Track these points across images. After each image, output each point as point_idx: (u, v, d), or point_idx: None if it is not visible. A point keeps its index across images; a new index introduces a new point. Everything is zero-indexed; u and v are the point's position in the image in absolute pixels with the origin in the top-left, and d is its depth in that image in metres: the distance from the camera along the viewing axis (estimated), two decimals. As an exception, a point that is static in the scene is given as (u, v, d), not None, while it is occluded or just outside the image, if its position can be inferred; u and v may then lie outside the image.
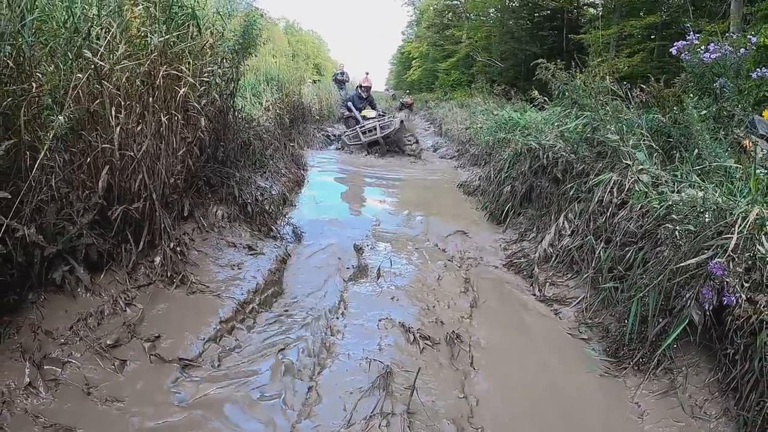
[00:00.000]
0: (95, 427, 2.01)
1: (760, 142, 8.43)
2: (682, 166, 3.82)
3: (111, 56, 2.82)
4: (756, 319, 2.37)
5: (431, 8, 32.67)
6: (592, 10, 20.65)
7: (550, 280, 3.97)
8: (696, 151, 3.96)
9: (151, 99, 3.08)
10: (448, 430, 2.15)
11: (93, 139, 2.73)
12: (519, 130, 6.06)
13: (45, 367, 2.18)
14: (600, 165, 4.30)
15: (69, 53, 2.66)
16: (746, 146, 8.37)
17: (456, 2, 29.92)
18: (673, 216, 2.89)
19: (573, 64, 5.62)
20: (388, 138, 10.44)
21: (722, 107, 4.60)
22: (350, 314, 3.03)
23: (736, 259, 2.38)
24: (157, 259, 3.05)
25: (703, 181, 3.45)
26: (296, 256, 4.24)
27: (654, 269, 2.85)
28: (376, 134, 10.35)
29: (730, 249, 2.38)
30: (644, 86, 5.45)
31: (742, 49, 4.76)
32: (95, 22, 2.83)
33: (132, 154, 2.90)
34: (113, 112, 2.76)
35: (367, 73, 12.60)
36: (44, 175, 2.39)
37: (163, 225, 3.12)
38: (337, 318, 2.99)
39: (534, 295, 3.84)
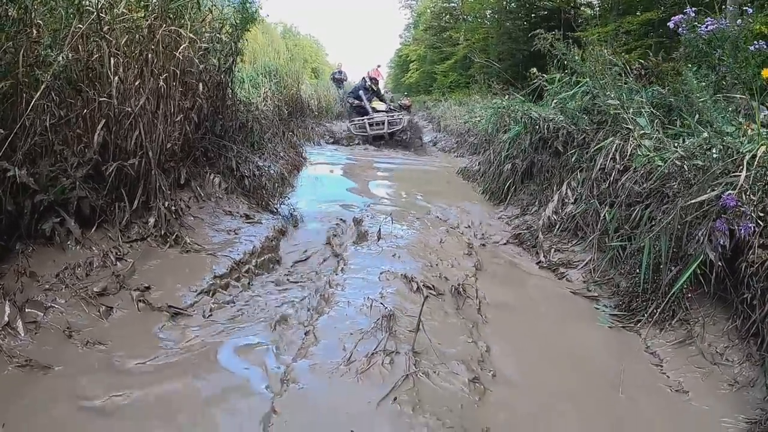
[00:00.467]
0: (74, 367, 1.93)
1: (762, 108, 8.48)
2: (683, 131, 3.76)
3: (112, 10, 2.79)
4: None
5: (428, 11, 32.84)
6: (588, 10, 20.70)
7: (555, 247, 3.89)
8: (697, 117, 3.86)
9: (150, 55, 3.05)
10: (459, 370, 2.05)
11: (90, 94, 2.68)
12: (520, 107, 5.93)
13: (27, 310, 2.12)
14: (600, 134, 4.23)
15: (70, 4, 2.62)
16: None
17: (453, 4, 30.02)
18: (681, 153, 2.82)
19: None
20: (393, 135, 10.34)
21: (722, 77, 4.53)
22: (350, 270, 2.94)
23: (749, 190, 2.29)
24: (152, 220, 3.01)
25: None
26: (294, 229, 4.16)
27: (664, 219, 2.77)
28: (383, 129, 10.25)
29: (740, 184, 2.30)
30: (643, 61, 5.41)
31: (739, 20, 4.70)
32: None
33: (129, 109, 2.85)
34: (112, 66, 2.72)
35: (378, 66, 13.62)
36: (38, 116, 2.35)
37: (158, 184, 3.07)
38: (337, 274, 2.90)
39: (539, 262, 3.74)
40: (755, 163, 2.38)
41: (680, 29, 4.86)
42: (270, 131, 6.33)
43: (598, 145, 4.01)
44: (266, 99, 7.88)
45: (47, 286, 2.25)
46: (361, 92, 11.24)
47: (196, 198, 3.68)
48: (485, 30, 26.63)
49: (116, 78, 2.73)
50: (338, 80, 17.98)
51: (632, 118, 3.96)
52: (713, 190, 2.42)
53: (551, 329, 2.74)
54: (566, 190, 4.17)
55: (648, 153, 3.51)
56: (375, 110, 10.84)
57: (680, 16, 4.86)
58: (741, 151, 2.48)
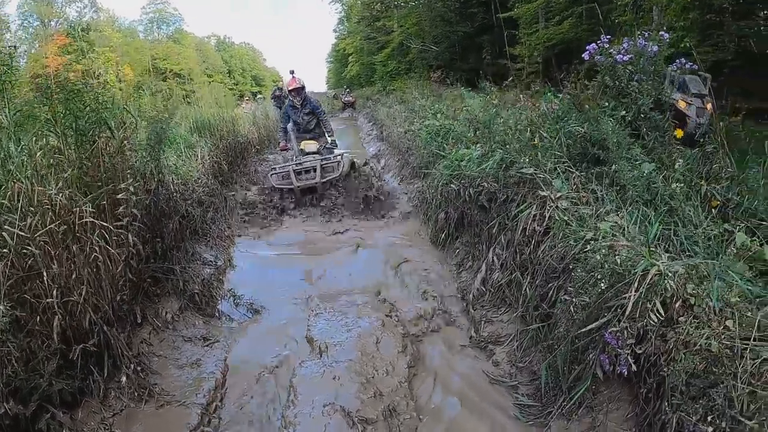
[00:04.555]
0: None
1: (694, 101, 8.78)
2: (600, 186, 3.99)
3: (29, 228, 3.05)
4: (665, 359, 2.56)
5: (358, 2, 32.64)
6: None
7: (485, 318, 4.15)
8: (614, 167, 4.10)
9: (75, 247, 3.32)
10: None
11: (35, 299, 2.99)
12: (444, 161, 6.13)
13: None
14: (523, 190, 4.44)
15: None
16: (683, 107, 8.67)
17: (383, -8, 29.97)
18: (570, 289, 3.07)
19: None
20: (329, 185, 8.00)
21: (639, 108, 4.74)
22: (300, 402, 3.36)
23: (628, 329, 2.55)
24: (123, 379, 3.32)
25: (621, 201, 3.75)
26: (249, 331, 4.45)
27: (565, 322, 3.05)
28: (314, 178, 7.82)
29: (627, 312, 2.56)
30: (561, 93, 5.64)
31: (655, 47, 4.90)
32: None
33: (75, 298, 3.14)
34: (45, 274, 3.02)
35: (292, 73, 9.25)
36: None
37: (120, 351, 3.39)
38: (289, 408, 3.32)
39: (471, 337, 4.00)
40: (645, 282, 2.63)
41: (596, 58, 5.09)
42: (212, 207, 6.41)
43: (519, 209, 4.23)
44: (203, 161, 7.82)
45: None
46: (289, 126, 8.75)
47: (155, 330, 3.96)
48: (417, 14, 26.76)
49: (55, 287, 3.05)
50: (278, 97, 17.79)
51: (547, 180, 4.17)
52: (604, 317, 2.68)
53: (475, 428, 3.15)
54: (492, 257, 4.41)
55: (564, 217, 3.75)
56: (304, 153, 8.42)
57: (593, 46, 5.07)
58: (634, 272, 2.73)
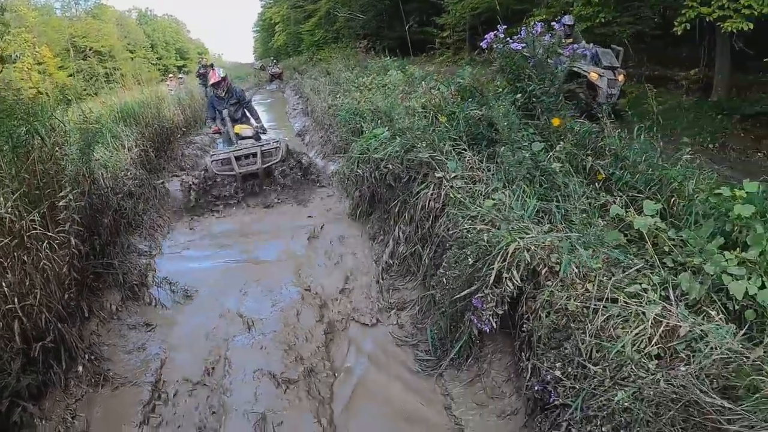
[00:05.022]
0: None
1: (605, 73, 9.50)
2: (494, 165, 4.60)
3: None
4: (533, 318, 3.12)
5: (284, -33, 31.98)
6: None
7: (393, 286, 4.67)
8: (503, 149, 4.61)
9: (25, 256, 3.79)
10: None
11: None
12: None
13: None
14: (423, 171, 4.92)
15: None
16: (594, 79, 9.37)
17: (308, -41, 29.49)
18: (444, 264, 3.61)
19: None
20: (271, 170, 7.92)
21: (532, 94, 5.23)
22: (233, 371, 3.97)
23: (490, 294, 3.10)
24: (80, 369, 3.82)
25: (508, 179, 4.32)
26: (185, 313, 4.93)
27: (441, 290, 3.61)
28: (256, 164, 7.72)
29: (491, 281, 3.11)
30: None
31: (547, 36, 5.37)
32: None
33: (31, 302, 3.61)
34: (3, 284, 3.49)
35: (212, 66, 9.77)
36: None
37: (74, 343, 3.89)
38: (225, 377, 3.91)
39: (380, 306, 4.51)
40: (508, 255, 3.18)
41: (494, 46, 5.56)
42: (142, 198, 6.64)
43: (418, 189, 4.72)
44: (130, 151, 7.93)
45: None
46: (218, 112, 8.48)
47: (102, 321, 4.46)
48: (344, -18, 26.55)
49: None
50: (203, 75, 17.57)
51: (443, 163, 4.67)
52: (475, 285, 3.23)
53: (383, 385, 3.79)
54: (398, 232, 4.92)
55: (458, 195, 4.26)
56: (240, 137, 8.10)
57: (490, 35, 5.54)
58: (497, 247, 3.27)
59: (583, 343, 2.73)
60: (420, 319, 4.27)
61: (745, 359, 2.22)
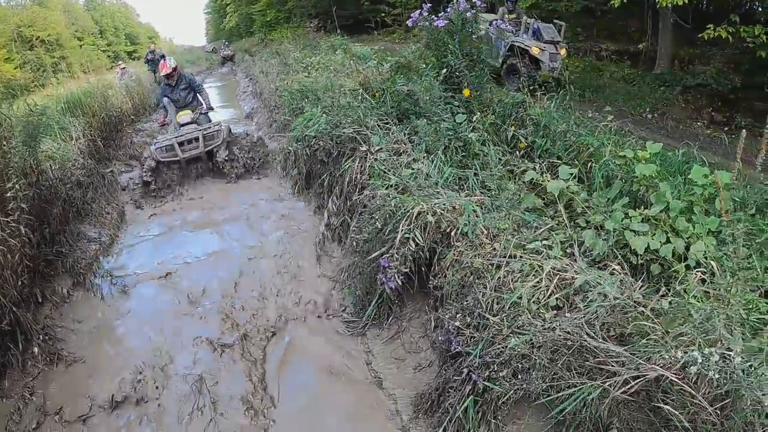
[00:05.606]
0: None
1: (547, 47, 9.90)
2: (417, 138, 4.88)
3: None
4: (442, 275, 3.45)
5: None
6: None
7: (327, 253, 4.97)
8: (421, 121, 4.91)
9: None
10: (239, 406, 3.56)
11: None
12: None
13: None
14: (351, 145, 5.21)
15: None
16: (536, 53, 9.75)
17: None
18: (354, 228, 3.93)
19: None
20: (212, 154, 8.20)
21: (453, 67, 5.53)
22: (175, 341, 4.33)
23: (395, 254, 3.42)
24: (36, 349, 4.17)
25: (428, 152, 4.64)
26: (134, 294, 5.21)
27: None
28: (198, 148, 7.94)
29: (396, 243, 3.44)
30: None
31: (468, 13, 5.65)
32: None
33: None
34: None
35: (163, 57, 9.71)
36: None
37: (29, 326, 4.22)
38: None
39: (319, 275, 4.92)
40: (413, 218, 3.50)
41: (419, 24, 5.84)
42: (91, 187, 6.83)
43: (345, 164, 5.02)
44: (77, 141, 8.04)
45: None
46: (165, 100, 8.68)
47: (55, 305, 4.80)
48: (295, -38, 26.29)
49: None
50: (151, 61, 17.41)
51: (368, 137, 4.96)
52: (384, 246, 3.56)
53: (312, 347, 4.15)
54: (330, 205, 5.22)
55: (382, 167, 4.56)
56: (180, 124, 8.30)
57: (416, 13, 5.81)
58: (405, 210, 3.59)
59: (483, 297, 2.98)
60: (348, 284, 4.60)
61: (640, 308, 2.39)
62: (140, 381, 3.88)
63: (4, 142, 4.86)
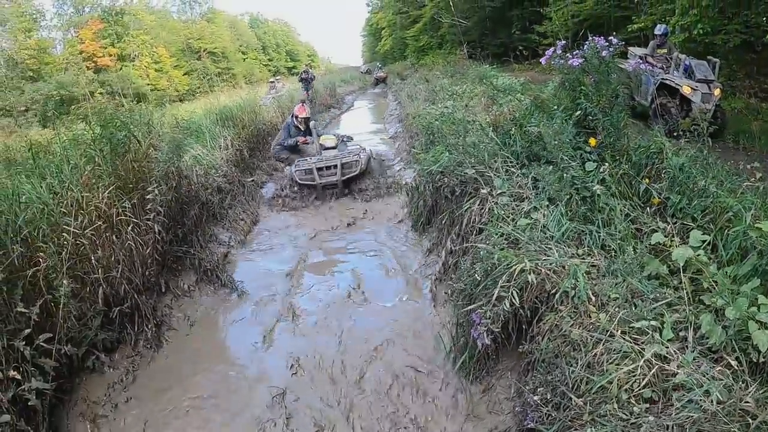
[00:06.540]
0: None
1: (699, 86, 9.20)
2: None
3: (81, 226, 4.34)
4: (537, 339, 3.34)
5: (389, -26, 32.84)
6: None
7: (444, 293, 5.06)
8: (545, 168, 4.85)
9: (114, 237, 4.64)
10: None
11: (85, 275, 4.29)
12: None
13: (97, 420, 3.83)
14: (473, 185, 5.26)
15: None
16: (687, 92, 9.09)
17: (412, -35, 30.11)
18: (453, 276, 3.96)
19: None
20: (350, 182, 8.33)
21: (585, 109, 5.38)
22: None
23: (488, 312, 3.40)
24: (149, 333, 4.65)
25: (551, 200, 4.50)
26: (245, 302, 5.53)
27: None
28: (335, 175, 8.15)
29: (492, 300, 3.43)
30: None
31: (605, 52, 5.52)
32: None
33: (114, 274, 4.45)
34: (92, 258, 4.35)
35: (303, 102, 10.24)
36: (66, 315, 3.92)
37: (144, 312, 4.69)
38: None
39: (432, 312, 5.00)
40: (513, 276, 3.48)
41: (553, 62, 5.78)
42: (230, 194, 7.55)
43: (466, 204, 5.09)
44: (227, 148, 8.90)
45: (102, 404, 3.96)
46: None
47: (176, 297, 5.28)
48: (447, -12, 26.87)
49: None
50: (305, 80, 18.75)
51: (490, 180, 5.00)
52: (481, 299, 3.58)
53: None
54: (449, 244, 5.31)
55: (502, 212, 4.56)
56: (324, 148, 8.70)
57: (549, 51, 5.76)
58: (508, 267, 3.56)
59: (572, 373, 2.75)
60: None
61: (747, 418, 2.12)
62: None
63: (153, 150, 5.59)
